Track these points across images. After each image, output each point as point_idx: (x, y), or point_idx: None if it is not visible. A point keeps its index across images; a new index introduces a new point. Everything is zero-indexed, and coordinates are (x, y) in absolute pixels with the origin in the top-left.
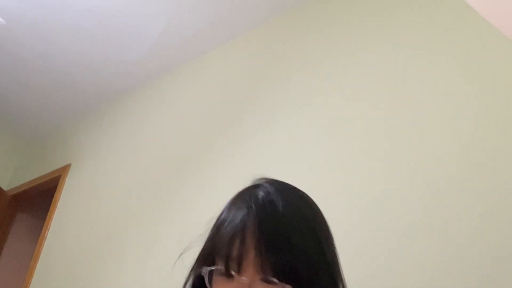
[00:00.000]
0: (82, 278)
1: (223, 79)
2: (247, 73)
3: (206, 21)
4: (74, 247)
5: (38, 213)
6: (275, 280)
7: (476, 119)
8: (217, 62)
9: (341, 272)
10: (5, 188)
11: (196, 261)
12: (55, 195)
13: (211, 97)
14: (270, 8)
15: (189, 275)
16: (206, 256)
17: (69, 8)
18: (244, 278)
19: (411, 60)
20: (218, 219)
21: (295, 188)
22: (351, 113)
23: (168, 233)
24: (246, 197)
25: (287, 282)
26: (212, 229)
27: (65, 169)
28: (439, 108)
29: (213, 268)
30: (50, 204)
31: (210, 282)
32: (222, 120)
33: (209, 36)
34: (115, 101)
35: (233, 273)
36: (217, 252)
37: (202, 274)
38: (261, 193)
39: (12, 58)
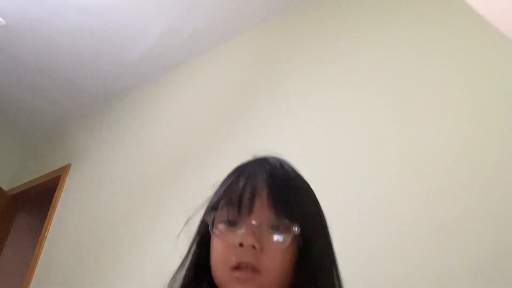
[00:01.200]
0: (82, 278)
1: (223, 79)
2: (246, 73)
3: (206, 21)
4: (74, 247)
5: (38, 213)
6: (286, 220)
7: (476, 119)
8: (217, 62)
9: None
10: (5, 188)
11: (204, 213)
12: (55, 195)
13: (211, 97)
14: (270, 8)
15: (197, 229)
16: (214, 205)
17: (69, 8)
18: (253, 221)
19: (411, 60)
20: (224, 179)
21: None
22: (349, 113)
23: (168, 233)
24: (252, 160)
25: (296, 221)
26: (219, 186)
27: (65, 169)
28: (439, 108)
29: (221, 212)
30: (50, 204)
31: (214, 228)
32: (222, 119)
33: (209, 36)
34: (115, 101)
35: (236, 220)
36: (226, 198)
37: (206, 220)
38: (268, 158)
39: (12, 58)
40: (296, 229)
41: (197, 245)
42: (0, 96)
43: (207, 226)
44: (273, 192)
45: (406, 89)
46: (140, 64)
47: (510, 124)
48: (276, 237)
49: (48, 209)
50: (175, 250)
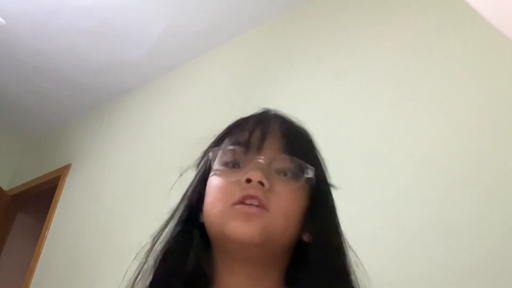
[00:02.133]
0: (82, 278)
1: (223, 79)
2: (247, 72)
3: (206, 21)
4: (74, 247)
5: (38, 213)
6: (299, 160)
7: (477, 119)
8: (217, 62)
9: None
10: (5, 188)
11: (204, 151)
12: (55, 195)
13: (211, 97)
14: (270, 8)
15: (195, 174)
16: (217, 142)
17: (69, 8)
18: (262, 158)
19: (411, 61)
20: (229, 124)
21: None
22: (350, 112)
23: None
24: (260, 110)
25: (307, 163)
26: (224, 130)
27: (65, 169)
28: (443, 108)
29: (225, 152)
30: (50, 204)
31: (214, 166)
32: (222, 119)
33: (209, 36)
34: (115, 101)
35: (243, 160)
36: (232, 137)
37: (209, 157)
38: (278, 111)
39: (12, 58)
40: (309, 171)
41: (190, 192)
42: (0, 96)
43: (204, 171)
44: (287, 134)
45: (408, 88)
46: (140, 64)
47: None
48: (288, 177)
49: (48, 209)
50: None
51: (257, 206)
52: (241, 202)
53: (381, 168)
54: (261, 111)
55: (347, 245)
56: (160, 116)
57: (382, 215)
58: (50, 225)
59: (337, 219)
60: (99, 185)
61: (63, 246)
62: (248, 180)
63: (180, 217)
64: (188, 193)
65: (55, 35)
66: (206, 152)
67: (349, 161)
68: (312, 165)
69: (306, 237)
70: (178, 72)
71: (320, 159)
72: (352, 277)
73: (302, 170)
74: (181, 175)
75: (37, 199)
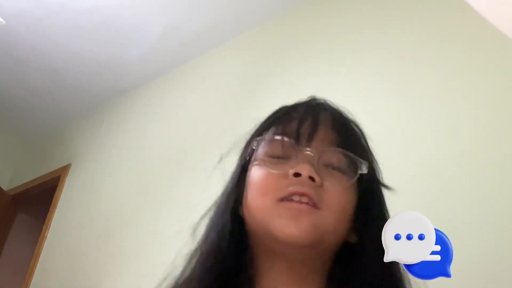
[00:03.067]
0: (82, 278)
1: (223, 79)
2: (247, 73)
3: (206, 21)
4: (74, 247)
5: (38, 213)
6: (353, 155)
7: (477, 119)
8: (217, 62)
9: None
10: (5, 188)
11: (247, 141)
12: (55, 195)
13: (211, 97)
14: (270, 8)
15: (238, 162)
16: (261, 132)
17: (69, 8)
18: (312, 151)
19: (411, 61)
20: (271, 113)
21: None
22: (353, 112)
23: (169, 233)
24: (306, 99)
25: (362, 158)
26: (267, 116)
27: (65, 169)
28: (442, 108)
29: (270, 143)
30: (50, 204)
31: (258, 157)
32: (222, 119)
33: (209, 36)
34: (115, 101)
35: (291, 153)
36: (279, 127)
37: (253, 146)
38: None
39: (12, 58)
40: (363, 166)
41: (234, 182)
42: (0, 96)
43: (248, 158)
44: (339, 126)
45: (407, 88)
46: (140, 64)
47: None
48: (340, 172)
49: (48, 209)
50: (176, 250)
51: (307, 203)
52: (289, 198)
53: (380, 168)
54: (308, 98)
55: None
56: (160, 116)
57: None
58: (50, 225)
59: (384, 220)
60: (99, 185)
61: (63, 246)
62: (297, 174)
63: (218, 210)
64: (229, 185)
65: (55, 35)
66: (249, 142)
67: None
68: (365, 160)
69: (352, 238)
70: (178, 72)
71: (372, 154)
72: (400, 282)
73: (356, 165)
74: (220, 159)
75: (37, 199)
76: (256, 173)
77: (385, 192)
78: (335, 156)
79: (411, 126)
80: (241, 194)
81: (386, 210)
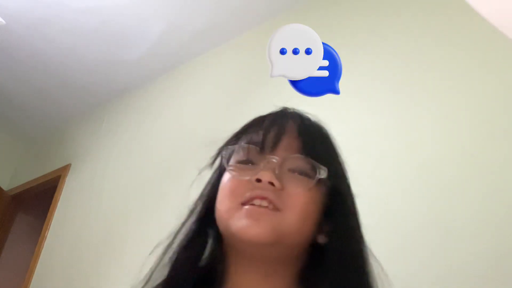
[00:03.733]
0: (82, 278)
1: (223, 79)
2: (247, 73)
3: (206, 21)
4: (74, 247)
5: (38, 213)
6: (312, 160)
7: (477, 119)
8: (217, 62)
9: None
10: (5, 188)
11: (219, 149)
12: (55, 195)
13: (211, 97)
14: (270, 8)
15: (212, 174)
16: (232, 141)
17: (69, 8)
18: (274, 158)
19: (411, 61)
20: (246, 123)
21: None
22: (350, 112)
23: (170, 232)
24: (278, 109)
25: (322, 163)
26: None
27: (65, 169)
28: (441, 107)
29: (239, 150)
30: (50, 204)
31: (227, 164)
32: (222, 119)
33: (209, 36)
34: (115, 101)
35: (257, 159)
36: (247, 135)
37: (222, 155)
38: (297, 110)
39: (12, 58)
40: (322, 171)
41: (210, 187)
42: (0, 96)
43: (220, 171)
44: (304, 134)
45: (407, 88)
46: (140, 64)
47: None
48: (300, 177)
49: (48, 209)
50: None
51: (266, 207)
52: (251, 202)
53: (380, 168)
54: (279, 109)
55: (367, 251)
56: (160, 116)
57: (380, 215)
58: (50, 225)
59: (357, 222)
60: (99, 185)
61: (63, 246)
62: (258, 180)
63: (197, 214)
64: (206, 190)
65: (55, 35)
66: (220, 150)
67: (347, 161)
68: (327, 165)
69: (321, 239)
70: (178, 72)
71: (338, 159)
72: (369, 283)
73: (315, 170)
74: (200, 172)
75: (37, 199)
76: (225, 179)
77: (380, 193)
78: (298, 162)
79: (410, 127)
80: (215, 199)
81: (355, 212)
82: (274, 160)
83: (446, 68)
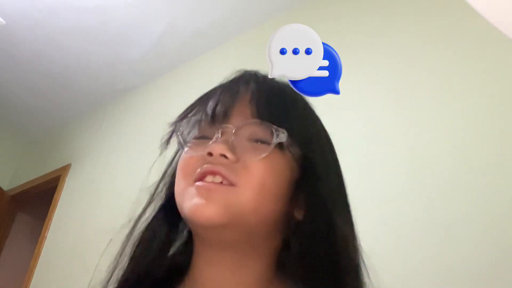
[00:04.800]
0: (82, 278)
1: (223, 79)
2: None
3: (206, 21)
4: (74, 247)
5: (38, 213)
6: (268, 123)
7: (476, 119)
8: (217, 62)
9: (339, 166)
10: (5, 188)
11: (171, 125)
12: (55, 195)
13: None
14: (271, 8)
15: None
16: (183, 116)
17: (69, 8)
18: (227, 126)
19: (410, 61)
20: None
21: None
22: (349, 112)
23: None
24: (236, 74)
25: (280, 126)
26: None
27: (65, 169)
28: (440, 108)
29: (191, 124)
30: (50, 204)
31: (181, 141)
32: None
33: (209, 35)
34: (115, 101)
35: (209, 131)
36: (198, 107)
37: (177, 132)
38: (260, 72)
39: (12, 58)
40: (281, 136)
41: (172, 168)
42: (0, 96)
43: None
44: (259, 97)
45: (407, 88)
46: (140, 64)
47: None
48: (257, 145)
49: (48, 209)
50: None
51: (220, 183)
52: (201, 179)
53: (379, 167)
54: (233, 75)
55: (349, 227)
56: (160, 116)
57: (379, 214)
58: (50, 225)
59: (335, 194)
60: (99, 185)
61: (63, 246)
62: (210, 154)
63: (160, 199)
64: (166, 172)
65: (55, 35)
66: (174, 126)
67: (347, 160)
68: (290, 129)
69: (298, 214)
70: (178, 72)
71: (312, 126)
72: (349, 263)
73: (272, 133)
74: (161, 153)
75: (37, 199)
76: (180, 160)
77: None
78: (254, 128)
79: (410, 127)
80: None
81: (332, 181)
82: (226, 130)
83: (446, 69)
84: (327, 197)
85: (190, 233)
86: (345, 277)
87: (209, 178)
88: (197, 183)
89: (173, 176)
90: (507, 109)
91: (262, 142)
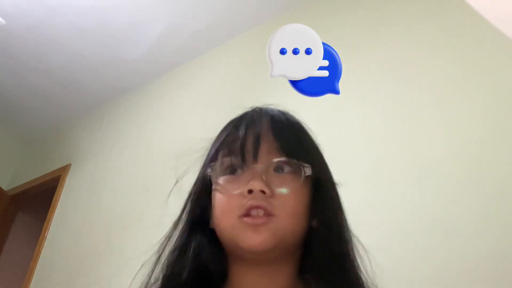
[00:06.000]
0: (82, 278)
1: (223, 79)
2: (247, 73)
3: (206, 21)
4: (74, 247)
5: (38, 213)
6: (295, 160)
7: (478, 120)
8: (217, 62)
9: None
10: (5, 188)
11: (201, 168)
12: (55, 195)
13: (211, 97)
14: (270, 8)
15: (192, 187)
16: (212, 157)
17: (69, 8)
18: (259, 166)
19: (411, 61)
20: (220, 131)
21: None
22: (351, 112)
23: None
24: (249, 110)
25: (306, 162)
26: (215, 138)
27: (65, 169)
28: (440, 108)
29: (221, 164)
30: (50, 204)
31: (215, 181)
32: (222, 119)
33: (209, 36)
34: (115, 101)
35: (241, 169)
36: (225, 148)
37: (208, 173)
38: (267, 107)
39: (12, 58)
40: (307, 169)
41: (192, 203)
42: (0, 96)
43: (204, 182)
44: (280, 134)
45: (408, 89)
46: (140, 64)
47: (511, 125)
48: (287, 176)
49: (48, 209)
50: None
51: (263, 215)
52: (247, 214)
53: (383, 170)
54: (249, 111)
55: (351, 234)
56: (160, 115)
57: (381, 216)
58: (50, 225)
59: (339, 208)
60: (99, 185)
61: (63, 246)
62: (250, 191)
63: (184, 226)
64: (191, 206)
65: (55, 35)
66: (204, 167)
67: (350, 163)
68: (309, 161)
69: (314, 223)
70: (178, 72)
71: (317, 151)
72: (355, 262)
73: (300, 169)
74: (176, 182)
75: (37, 199)
76: (218, 197)
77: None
78: (280, 164)
79: (410, 127)
80: (206, 213)
81: (337, 198)
82: (259, 168)
83: (447, 69)
84: (333, 205)
85: (219, 248)
86: (352, 273)
87: (253, 212)
88: (245, 219)
89: (195, 202)
90: (507, 109)
91: (290, 173)
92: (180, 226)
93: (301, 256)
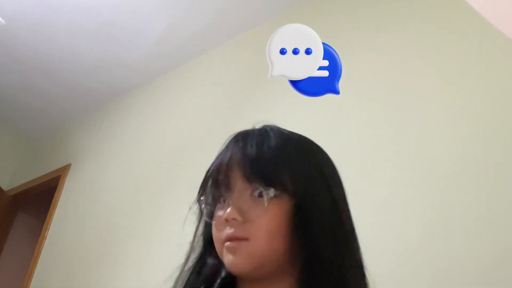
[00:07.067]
0: (82, 278)
1: (222, 79)
2: (247, 73)
3: (206, 21)
4: (74, 247)
5: (38, 213)
6: (257, 185)
7: (477, 120)
8: (217, 62)
9: (349, 212)
10: (5, 188)
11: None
12: (55, 195)
13: (210, 97)
14: (270, 9)
15: (198, 217)
16: (201, 190)
17: (69, 8)
18: (234, 194)
19: (410, 61)
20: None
21: (300, 135)
22: (351, 113)
23: (169, 233)
24: (238, 133)
25: (270, 186)
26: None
27: (65, 169)
28: (440, 108)
29: (208, 195)
30: (50, 204)
31: (208, 214)
32: (221, 119)
33: (209, 36)
34: (115, 101)
35: (222, 198)
36: (209, 180)
37: (201, 207)
38: (254, 129)
39: (12, 58)
40: (270, 192)
41: (203, 225)
42: (0, 96)
43: (204, 212)
44: (247, 159)
45: (406, 89)
46: (140, 64)
47: (511, 125)
48: (258, 199)
49: (48, 209)
50: (177, 251)
51: (236, 240)
52: (227, 240)
53: (380, 170)
54: (229, 139)
55: (344, 245)
56: (160, 116)
57: (382, 218)
58: (50, 225)
59: (335, 221)
60: (99, 185)
61: (63, 246)
62: (227, 220)
63: (199, 249)
64: (198, 235)
65: (55, 35)
66: (198, 202)
67: (348, 163)
68: (277, 182)
69: (302, 240)
70: (178, 72)
71: (302, 169)
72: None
73: (266, 193)
74: (190, 208)
75: (37, 199)
76: (213, 224)
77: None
78: (250, 191)
79: (410, 127)
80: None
81: (328, 216)
82: (233, 197)
83: (447, 69)
84: (317, 223)
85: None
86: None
87: (231, 238)
88: (226, 244)
89: (205, 227)
90: (507, 109)
91: (261, 195)
92: (198, 246)
93: (300, 271)
